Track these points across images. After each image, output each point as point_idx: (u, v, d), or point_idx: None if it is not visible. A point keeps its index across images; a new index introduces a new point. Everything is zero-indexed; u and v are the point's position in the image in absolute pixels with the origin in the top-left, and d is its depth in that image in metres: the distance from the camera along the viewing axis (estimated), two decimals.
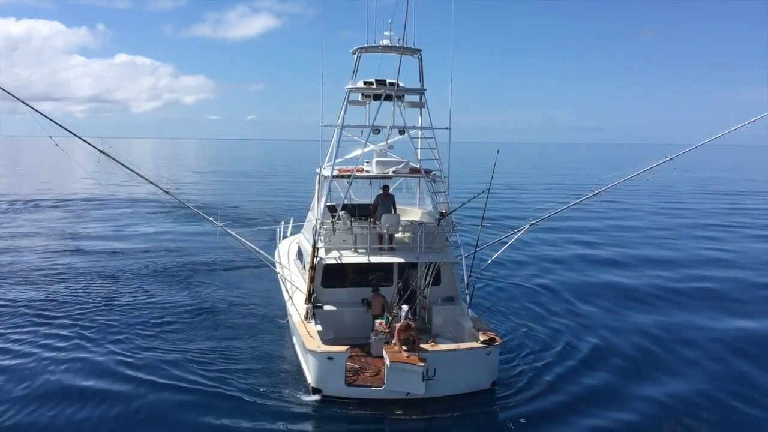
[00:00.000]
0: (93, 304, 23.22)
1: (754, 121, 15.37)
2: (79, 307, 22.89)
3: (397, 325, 15.61)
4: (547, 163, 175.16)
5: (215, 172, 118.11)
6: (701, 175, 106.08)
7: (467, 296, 17.76)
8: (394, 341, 15.64)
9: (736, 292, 27.18)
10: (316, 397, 15.39)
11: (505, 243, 18.98)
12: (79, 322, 21.08)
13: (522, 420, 14.73)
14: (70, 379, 16.68)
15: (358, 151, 18.98)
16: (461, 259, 18.22)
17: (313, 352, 15.35)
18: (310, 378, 15.72)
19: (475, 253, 18.08)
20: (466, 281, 17.76)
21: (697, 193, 75.80)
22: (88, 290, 25.31)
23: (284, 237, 26.82)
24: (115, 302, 23.62)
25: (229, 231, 17.31)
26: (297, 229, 25.16)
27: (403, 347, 15.39)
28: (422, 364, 14.83)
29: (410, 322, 15.65)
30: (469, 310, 17.61)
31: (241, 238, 17.64)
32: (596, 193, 17.81)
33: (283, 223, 27.79)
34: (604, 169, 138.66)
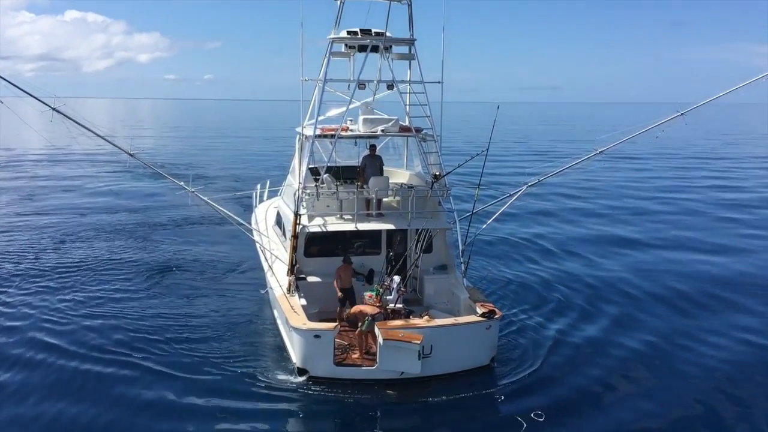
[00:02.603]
0: (39, 267, 21.87)
1: None
2: (24, 268, 21.58)
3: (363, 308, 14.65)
4: (515, 122, 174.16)
5: (176, 131, 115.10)
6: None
7: (462, 265, 16.51)
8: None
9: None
10: (302, 378, 14.18)
11: (501, 207, 17.64)
12: (19, 285, 19.83)
13: (524, 398, 13.73)
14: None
15: (342, 109, 17.31)
16: (455, 224, 16.90)
17: (298, 330, 14.12)
18: (295, 357, 14.52)
19: (471, 217, 16.78)
20: (460, 249, 16.48)
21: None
22: (35, 252, 23.93)
23: (260, 201, 25.27)
24: (65, 265, 22.20)
25: (202, 197, 15.74)
26: (273, 194, 23.62)
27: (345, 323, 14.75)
28: (418, 341, 13.63)
29: (366, 310, 14.49)
30: (464, 279, 16.41)
31: (216, 205, 16.13)
32: (599, 152, 16.53)
33: (259, 186, 26.20)
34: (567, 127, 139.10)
